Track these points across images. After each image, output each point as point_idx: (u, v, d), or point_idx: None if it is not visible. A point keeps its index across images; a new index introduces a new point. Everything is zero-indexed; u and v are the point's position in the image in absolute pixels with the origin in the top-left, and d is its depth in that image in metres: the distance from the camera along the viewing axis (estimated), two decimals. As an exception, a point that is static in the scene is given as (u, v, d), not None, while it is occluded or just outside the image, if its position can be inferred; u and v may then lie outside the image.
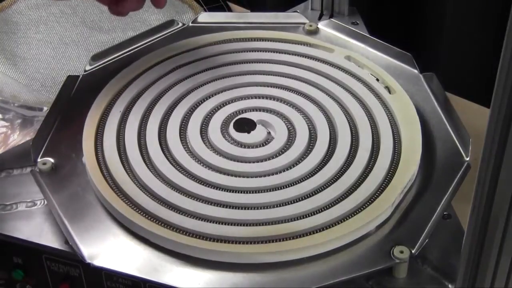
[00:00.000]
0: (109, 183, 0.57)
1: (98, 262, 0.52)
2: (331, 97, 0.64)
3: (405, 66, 0.68)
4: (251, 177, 0.57)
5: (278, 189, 0.56)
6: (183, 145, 0.60)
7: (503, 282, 0.45)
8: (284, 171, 0.58)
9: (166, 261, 0.52)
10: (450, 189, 0.56)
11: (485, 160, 0.39)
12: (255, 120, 0.62)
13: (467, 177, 0.57)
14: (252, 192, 0.56)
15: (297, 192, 0.55)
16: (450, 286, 0.51)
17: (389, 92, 0.65)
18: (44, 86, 0.81)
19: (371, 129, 0.61)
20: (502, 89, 0.36)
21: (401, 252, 0.52)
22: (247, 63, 0.68)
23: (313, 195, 0.56)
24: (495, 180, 0.40)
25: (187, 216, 0.54)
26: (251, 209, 0.55)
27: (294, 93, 0.65)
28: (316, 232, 0.53)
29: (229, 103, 0.64)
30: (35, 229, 0.55)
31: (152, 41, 0.71)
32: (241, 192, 0.56)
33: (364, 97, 0.64)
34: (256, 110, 0.63)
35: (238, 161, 0.59)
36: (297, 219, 0.54)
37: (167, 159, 0.59)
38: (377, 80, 0.66)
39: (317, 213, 0.54)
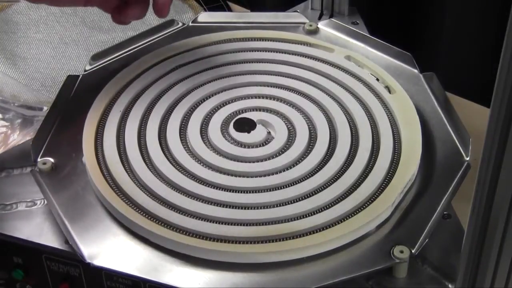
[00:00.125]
0: (109, 183, 0.57)
1: (98, 262, 0.52)
2: (331, 97, 0.64)
3: (405, 66, 0.68)
4: (251, 177, 0.57)
5: (278, 189, 0.56)
6: (183, 145, 0.60)
7: (503, 282, 0.45)
8: (284, 171, 0.58)
9: (166, 261, 0.52)
10: (450, 189, 0.56)
11: (485, 160, 0.39)
12: (255, 120, 0.62)
13: (467, 177, 0.57)
14: (252, 192, 0.56)
15: (297, 192, 0.55)
16: (450, 286, 0.51)
17: (389, 92, 0.65)
18: (44, 86, 0.81)
19: (371, 129, 0.61)
20: (502, 89, 0.36)
21: (401, 252, 0.52)
22: (247, 63, 0.68)
23: (313, 195, 0.56)
24: (495, 180, 0.40)
25: (187, 216, 0.54)
26: (251, 209, 0.55)
27: (294, 93, 0.65)
28: (316, 232, 0.53)
29: (229, 103, 0.64)
30: (35, 229, 0.55)
31: (152, 41, 0.71)
32: (241, 192, 0.56)
33: (364, 97, 0.64)
34: (256, 110, 0.63)
35: (238, 161, 0.59)
36: (297, 219, 0.54)
37: (167, 159, 0.59)
38: (377, 80, 0.66)
39: (317, 213, 0.54)
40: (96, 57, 0.69)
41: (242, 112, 0.63)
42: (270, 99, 0.64)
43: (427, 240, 0.53)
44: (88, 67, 0.68)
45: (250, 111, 0.63)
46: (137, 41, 0.71)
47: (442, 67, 0.93)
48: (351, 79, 0.66)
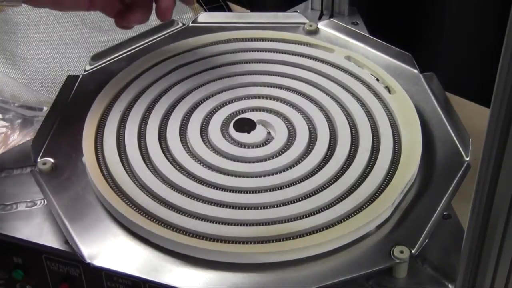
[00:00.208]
0: (109, 183, 0.57)
1: (98, 262, 0.52)
2: (331, 97, 0.64)
3: (405, 66, 0.68)
4: (251, 177, 0.57)
5: (278, 189, 0.56)
6: (183, 145, 0.60)
7: (503, 282, 0.45)
8: (284, 171, 0.58)
9: (166, 261, 0.52)
10: (450, 189, 0.56)
11: (485, 160, 0.39)
12: (255, 120, 0.62)
13: (467, 177, 0.57)
14: (252, 192, 0.56)
15: (297, 192, 0.55)
16: (450, 286, 0.51)
17: (389, 92, 0.65)
18: (44, 86, 0.81)
19: (371, 129, 0.61)
20: (502, 89, 0.36)
21: (401, 252, 0.52)
22: (247, 63, 0.68)
23: (313, 195, 0.56)
24: (495, 180, 0.40)
25: (187, 216, 0.54)
26: (251, 209, 0.55)
27: (294, 93, 0.65)
28: (316, 232, 0.53)
29: (229, 103, 0.64)
30: (35, 229, 0.55)
31: (152, 41, 0.71)
32: (241, 192, 0.56)
33: (364, 97, 0.64)
34: (256, 110, 0.63)
35: (238, 161, 0.59)
36: (297, 219, 0.54)
37: (167, 159, 0.59)
38: (377, 80, 0.66)
39: (317, 213, 0.54)
40: (96, 57, 0.69)
41: (242, 112, 0.63)
42: (270, 99, 0.64)
43: (427, 240, 0.53)
44: (88, 67, 0.68)
45: (250, 111, 0.63)
46: (137, 41, 0.71)
47: (442, 67, 0.93)
48: (351, 79, 0.66)
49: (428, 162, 0.59)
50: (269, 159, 0.59)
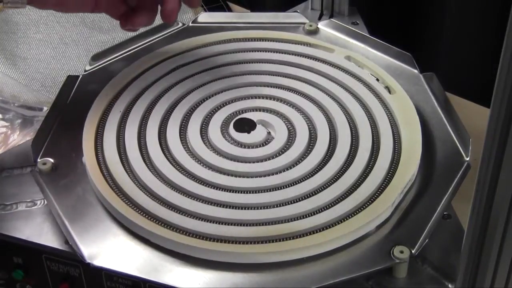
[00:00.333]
0: (109, 183, 0.57)
1: (98, 262, 0.52)
2: (331, 97, 0.64)
3: (405, 66, 0.68)
4: (251, 177, 0.57)
5: (278, 189, 0.56)
6: (183, 145, 0.60)
7: (503, 282, 0.45)
8: (284, 171, 0.58)
9: (166, 261, 0.52)
10: (450, 189, 0.56)
11: (485, 160, 0.39)
12: (255, 120, 0.62)
13: (467, 177, 0.57)
14: (252, 192, 0.56)
15: (297, 192, 0.55)
16: (450, 286, 0.51)
17: (389, 92, 0.65)
18: (44, 86, 0.81)
19: (371, 129, 0.61)
20: (502, 89, 0.36)
21: (401, 252, 0.52)
22: (247, 63, 0.68)
23: (313, 195, 0.56)
24: (495, 180, 0.40)
25: (187, 216, 0.54)
26: (251, 209, 0.55)
27: (294, 93, 0.65)
28: (316, 232, 0.53)
29: (229, 103, 0.64)
30: (35, 229, 0.55)
31: (152, 41, 0.71)
32: (241, 192, 0.56)
33: (364, 97, 0.64)
34: (256, 110, 0.63)
35: (238, 161, 0.59)
36: (297, 219, 0.54)
37: (167, 159, 0.59)
38: (377, 80, 0.66)
39: (317, 213, 0.54)
40: (96, 57, 0.69)
41: (242, 112, 0.63)
42: (270, 99, 0.64)
43: (427, 240, 0.53)
44: (88, 67, 0.68)
45: (250, 111, 0.63)
46: (137, 41, 0.71)
47: (442, 67, 0.93)
48: (351, 79, 0.66)
49: (428, 162, 0.59)
50: (269, 159, 0.59)
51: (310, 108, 0.63)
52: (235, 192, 0.56)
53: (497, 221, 0.41)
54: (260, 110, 0.63)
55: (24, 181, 0.59)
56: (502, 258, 0.43)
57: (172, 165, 0.58)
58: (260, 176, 0.57)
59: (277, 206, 0.55)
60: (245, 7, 0.93)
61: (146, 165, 0.58)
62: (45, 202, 0.57)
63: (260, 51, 0.69)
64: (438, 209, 0.55)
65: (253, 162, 0.58)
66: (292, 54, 0.69)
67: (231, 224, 0.53)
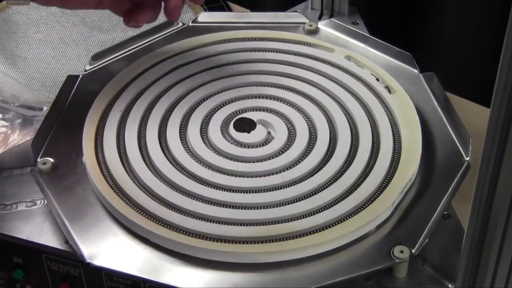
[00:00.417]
0: (109, 183, 0.57)
1: (98, 262, 0.52)
2: (331, 97, 0.64)
3: (405, 66, 0.68)
4: (251, 177, 0.57)
5: (278, 189, 0.56)
6: (183, 145, 0.60)
7: (503, 282, 0.45)
8: (284, 171, 0.58)
9: (166, 261, 0.52)
10: (450, 189, 0.56)
11: (485, 160, 0.39)
12: (255, 120, 0.62)
13: (467, 177, 0.57)
14: (252, 192, 0.56)
15: (297, 192, 0.55)
16: (450, 286, 0.51)
17: (389, 92, 0.65)
18: (44, 86, 0.81)
19: (371, 129, 0.61)
20: (502, 89, 0.36)
21: (401, 252, 0.52)
22: (247, 63, 0.68)
23: (313, 195, 0.56)
24: (495, 180, 0.40)
25: (187, 216, 0.54)
26: (251, 209, 0.55)
27: (294, 93, 0.65)
28: (316, 232, 0.53)
29: (229, 103, 0.64)
30: (35, 229, 0.55)
31: (152, 41, 0.71)
32: (241, 192, 0.56)
33: (364, 97, 0.64)
34: (256, 110, 0.63)
35: (238, 161, 0.59)
36: (297, 219, 0.54)
37: (167, 159, 0.59)
38: (377, 80, 0.66)
39: (317, 213, 0.54)
40: (96, 57, 0.69)
41: (242, 112, 0.63)
42: (270, 99, 0.64)
43: (427, 240, 0.53)
44: (88, 67, 0.68)
45: (250, 111, 0.63)
46: (137, 41, 0.71)
47: (442, 67, 0.93)
48: (351, 79, 0.66)
49: (428, 162, 0.59)
50: (269, 159, 0.59)
51: (310, 108, 0.63)
52: (235, 192, 0.56)
53: (497, 221, 0.41)
54: (260, 110, 0.63)
55: (24, 181, 0.59)
56: (502, 258, 0.43)
57: (172, 165, 0.58)
58: (260, 176, 0.57)
59: (277, 206, 0.55)
60: (245, 7, 0.93)
61: (146, 165, 0.58)
62: (45, 202, 0.57)
63: (260, 51, 0.69)
64: (438, 209, 0.55)
65: (253, 162, 0.58)
66: (292, 54, 0.69)
67: (231, 224, 0.53)
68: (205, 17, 0.74)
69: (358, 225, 0.53)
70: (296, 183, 0.56)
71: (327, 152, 0.59)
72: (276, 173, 0.57)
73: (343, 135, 0.60)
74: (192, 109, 0.63)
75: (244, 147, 0.60)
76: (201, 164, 0.58)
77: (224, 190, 0.56)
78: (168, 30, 0.72)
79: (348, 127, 0.61)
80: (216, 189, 0.56)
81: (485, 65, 0.85)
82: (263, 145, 0.60)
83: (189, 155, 0.59)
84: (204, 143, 0.60)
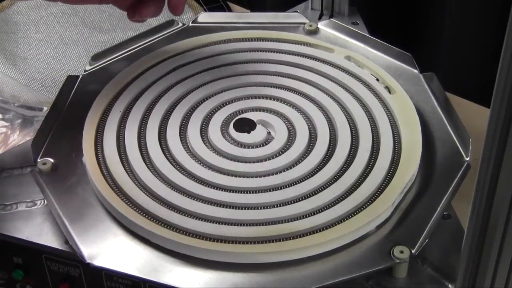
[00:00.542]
0: (109, 183, 0.57)
1: (98, 262, 0.52)
2: (331, 97, 0.64)
3: (405, 66, 0.68)
4: (251, 177, 0.57)
5: (278, 189, 0.56)
6: (183, 145, 0.60)
7: (503, 282, 0.45)
8: (284, 171, 0.58)
9: (166, 261, 0.52)
10: (450, 189, 0.56)
11: (485, 160, 0.39)
12: (255, 120, 0.62)
13: (467, 177, 0.57)
14: (252, 192, 0.56)
15: (297, 192, 0.55)
16: (450, 286, 0.51)
17: (389, 92, 0.65)
18: (44, 86, 0.81)
19: (371, 129, 0.61)
20: (502, 89, 0.36)
21: (401, 252, 0.52)
22: (247, 63, 0.68)
23: (313, 195, 0.56)
24: (495, 180, 0.40)
25: (187, 216, 0.54)
26: (251, 209, 0.55)
27: (294, 93, 0.65)
28: (316, 232, 0.53)
29: (229, 103, 0.64)
30: (35, 229, 0.55)
31: (152, 41, 0.71)
32: (241, 192, 0.56)
33: (364, 97, 0.64)
34: (256, 110, 0.63)
35: (238, 161, 0.59)
36: (297, 219, 0.54)
37: (167, 159, 0.59)
38: (377, 80, 0.66)
39: (317, 213, 0.54)
40: (96, 57, 0.69)
41: (242, 112, 0.63)
42: (270, 99, 0.64)
43: (427, 240, 0.53)
44: (88, 67, 0.68)
45: (250, 111, 0.63)
46: (137, 41, 0.71)
47: (442, 67, 0.93)
48: (351, 79, 0.66)
49: (428, 162, 0.59)
50: (269, 159, 0.59)
51: (310, 108, 0.63)
52: (235, 192, 0.56)
53: (497, 221, 0.41)
54: (260, 110, 0.63)
55: (24, 181, 0.59)
56: (502, 258, 0.43)
57: (172, 165, 0.58)
58: (260, 176, 0.57)
59: (277, 206, 0.55)
60: (245, 7, 0.93)
61: (146, 165, 0.58)
62: (45, 202, 0.57)
63: (260, 51, 0.69)
64: (438, 209, 0.55)
65: (253, 162, 0.58)
66: (292, 54, 0.69)
67: (231, 224, 0.53)
68: (205, 17, 0.74)
69: (358, 225, 0.53)
70: (296, 183, 0.56)
71: (327, 152, 0.59)
72: (276, 173, 0.57)
73: (343, 135, 0.60)
74: (192, 109, 0.63)
75: (244, 147, 0.60)
76: (201, 164, 0.58)
77: (224, 191, 0.56)
78: (168, 30, 0.72)
79: (348, 127, 0.61)
80: (216, 189, 0.56)
81: (485, 65, 0.85)
82: (263, 145, 0.60)
83: (189, 155, 0.59)
84: (204, 143, 0.60)
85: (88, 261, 0.52)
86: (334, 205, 0.55)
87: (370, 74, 0.67)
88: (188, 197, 0.55)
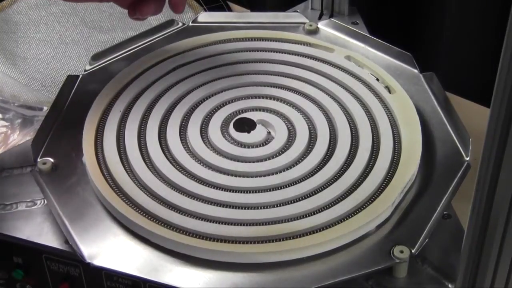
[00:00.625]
0: (109, 183, 0.57)
1: (98, 262, 0.52)
2: (331, 97, 0.64)
3: (405, 66, 0.68)
4: (251, 177, 0.57)
5: (278, 189, 0.56)
6: (183, 145, 0.60)
7: (503, 282, 0.45)
8: (284, 171, 0.58)
9: (166, 261, 0.52)
10: (450, 189, 0.56)
11: (485, 160, 0.39)
12: (255, 120, 0.62)
13: (467, 177, 0.57)
14: (252, 192, 0.56)
15: (297, 192, 0.55)
16: (450, 286, 0.51)
17: (389, 92, 0.65)
18: (44, 86, 0.81)
19: (371, 129, 0.61)
20: (502, 89, 0.36)
21: (401, 252, 0.52)
22: (247, 63, 0.68)
23: (313, 195, 0.56)
24: (495, 180, 0.40)
25: (187, 216, 0.54)
26: (251, 209, 0.55)
27: (294, 93, 0.65)
28: (316, 232, 0.53)
29: (229, 103, 0.64)
30: (35, 229, 0.55)
31: (152, 41, 0.71)
32: (241, 192, 0.56)
33: (364, 97, 0.64)
34: (256, 110, 0.63)
35: (238, 161, 0.59)
36: (297, 219, 0.54)
37: (167, 159, 0.59)
38: (377, 80, 0.66)
39: (317, 213, 0.54)
40: (96, 57, 0.69)
41: (242, 112, 0.63)
42: (270, 99, 0.64)
43: (427, 240, 0.53)
44: (88, 67, 0.68)
45: (250, 111, 0.63)
46: (137, 41, 0.71)
47: (442, 67, 0.93)
48: (351, 79, 0.66)
49: (428, 162, 0.59)
50: (269, 159, 0.59)
51: (310, 108, 0.63)
52: (235, 192, 0.56)
53: (497, 221, 0.41)
54: (260, 110, 0.63)
55: (24, 181, 0.59)
56: (502, 258, 0.43)
57: (172, 165, 0.58)
58: (260, 176, 0.57)
59: (277, 206, 0.55)
60: (245, 7, 0.93)
61: (146, 165, 0.58)
62: (45, 202, 0.57)
63: (260, 51, 0.69)
64: (438, 209, 0.55)
65: (253, 162, 0.58)
66: (292, 54, 0.69)
67: (231, 224, 0.53)
68: (205, 17, 0.74)
69: (358, 225, 0.53)
70: (296, 183, 0.56)
71: (327, 152, 0.59)
72: (276, 173, 0.57)
73: (343, 135, 0.60)
74: (192, 109, 0.63)
75: (244, 147, 0.60)
76: (201, 164, 0.58)
77: (224, 190, 0.56)
78: (168, 30, 0.72)
79: (348, 127, 0.61)
80: (216, 189, 0.56)
81: (485, 65, 0.85)
82: (263, 145, 0.60)
83: (189, 155, 0.59)
84: (204, 143, 0.60)
85: (88, 261, 0.52)
86: (334, 205, 0.55)
87: (370, 74, 0.67)
88: (188, 197, 0.55)
